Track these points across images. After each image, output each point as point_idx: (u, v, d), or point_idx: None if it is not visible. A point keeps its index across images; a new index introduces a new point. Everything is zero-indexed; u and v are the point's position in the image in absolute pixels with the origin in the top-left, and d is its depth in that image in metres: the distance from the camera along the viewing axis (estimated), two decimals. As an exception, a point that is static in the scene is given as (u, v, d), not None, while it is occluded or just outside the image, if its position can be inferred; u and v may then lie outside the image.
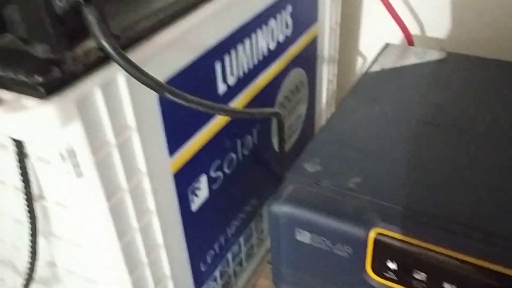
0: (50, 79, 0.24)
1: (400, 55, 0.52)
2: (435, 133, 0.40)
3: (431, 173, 0.36)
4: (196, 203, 0.41)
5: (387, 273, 0.33)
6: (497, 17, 0.59)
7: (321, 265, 0.36)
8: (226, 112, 0.35)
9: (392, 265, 0.33)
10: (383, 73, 0.50)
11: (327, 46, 0.60)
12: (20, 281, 0.38)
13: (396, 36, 0.62)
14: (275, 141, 0.52)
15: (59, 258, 0.35)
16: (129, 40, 0.29)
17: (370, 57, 0.70)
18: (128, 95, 0.29)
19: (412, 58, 0.52)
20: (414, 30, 0.65)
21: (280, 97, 0.51)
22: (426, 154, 0.38)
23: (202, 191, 0.41)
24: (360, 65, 0.71)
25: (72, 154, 0.27)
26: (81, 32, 0.26)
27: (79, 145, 0.27)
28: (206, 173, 0.41)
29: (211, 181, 0.42)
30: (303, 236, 0.36)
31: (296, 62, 0.53)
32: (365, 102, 0.45)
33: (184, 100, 0.30)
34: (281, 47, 0.48)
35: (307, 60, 0.56)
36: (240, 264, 0.53)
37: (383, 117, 0.43)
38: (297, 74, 0.54)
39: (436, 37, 0.65)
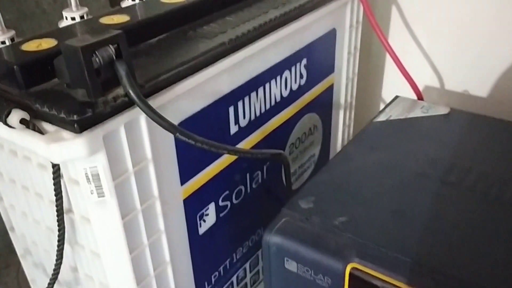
0: (84, 118, 0.31)
1: (407, 108, 0.57)
2: (424, 184, 0.44)
3: (411, 220, 0.40)
4: (203, 227, 0.46)
5: (361, 305, 0.37)
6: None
7: (306, 293, 0.40)
8: (230, 152, 0.41)
9: (365, 298, 0.37)
10: (387, 123, 0.54)
11: (344, 94, 0.65)
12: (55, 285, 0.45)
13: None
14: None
15: (81, 264, 0.41)
16: (152, 88, 0.35)
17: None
18: (147, 133, 0.36)
19: (417, 112, 0.56)
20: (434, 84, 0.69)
21: (292, 138, 0.56)
22: (410, 203, 0.42)
23: (209, 217, 0.46)
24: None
25: (96, 177, 0.34)
26: (113, 81, 0.33)
27: (103, 171, 0.33)
28: (214, 201, 0.46)
29: (218, 209, 0.47)
30: (291, 265, 0.40)
31: (310, 107, 0.58)
32: (364, 149, 0.49)
33: (193, 141, 0.36)
34: (294, 94, 0.54)
35: (322, 106, 0.62)
36: (245, 288, 0.58)
37: (378, 166, 0.47)
38: (311, 118, 0.59)
39: (450, 91, 0.69)
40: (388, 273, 0.36)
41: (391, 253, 0.37)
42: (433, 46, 0.68)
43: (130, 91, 0.33)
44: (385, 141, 0.51)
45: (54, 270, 0.39)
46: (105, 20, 0.42)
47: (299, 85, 0.55)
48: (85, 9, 0.43)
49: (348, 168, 0.47)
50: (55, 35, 0.38)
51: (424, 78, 0.70)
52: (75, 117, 0.31)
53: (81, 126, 0.31)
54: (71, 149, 0.31)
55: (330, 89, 0.62)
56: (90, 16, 0.44)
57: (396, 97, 0.60)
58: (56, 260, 0.39)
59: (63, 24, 0.43)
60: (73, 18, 0.43)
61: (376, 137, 0.52)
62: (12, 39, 0.39)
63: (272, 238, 0.40)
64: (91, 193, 0.34)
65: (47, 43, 0.37)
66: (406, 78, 0.61)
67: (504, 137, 0.51)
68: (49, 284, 0.40)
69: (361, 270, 0.36)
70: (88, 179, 0.33)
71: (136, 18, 0.42)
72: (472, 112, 0.55)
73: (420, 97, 0.62)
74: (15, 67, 0.33)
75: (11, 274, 0.76)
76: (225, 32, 0.44)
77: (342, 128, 0.68)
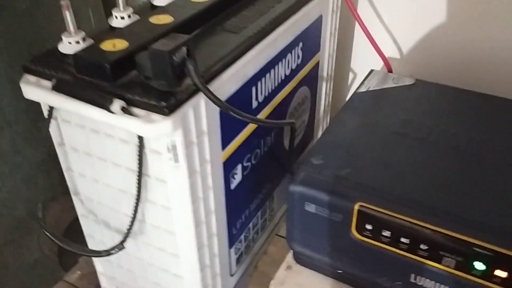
0: (170, 104, 0.41)
1: (381, 80, 0.70)
2: (403, 140, 0.58)
3: (398, 168, 0.54)
4: (234, 183, 0.58)
5: (365, 232, 0.51)
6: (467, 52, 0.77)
7: (322, 228, 0.54)
8: (261, 122, 0.52)
9: (369, 227, 0.51)
10: (367, 94, 0.67)
11: (326, 69, 0.78)
12: (116, 237, 0.55)
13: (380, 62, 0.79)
14: (285, 142, 0.70)
15: (149, 217, 0.52)
16: (207, 78, 0.46)
17: (358, 77, 0.87)
18: (205, 112, 0.46)
19: (390, 82, 0.69)
20: (396, 56, 0.83)
21: (291, 108, 0.68)
22: (394, 155, 0.56)
23: (238, 175, 0.58)
24: (350, 83, 0.89)
25: (174, 148, 0.44)
26: (182, 74, 0.43)
27: (180, 143, 0.44)
28: (241, 163, 0.58)
29: (243, 168, 0.59)
30: (310, 207, 0.53)
31: (303, 82, 0.70)
32: (354, 115, 0.62)
33: (239, 116, 0.47)
34: (293, 72, 0.66)
35: (311, 79, 0.74)
36: (257, 232, 0.71)
37: (366, 128, 0.60)
38: (303, 90, 0.72)
39: (412, 63, 0.83)
40: (386, 208, 0.49)
41: (386, 193, 0.50)
42: (395, 22, 0.81)
43: (198, 82, 0.43)
44: (368, 108, 0.64)
45: (131, 222, 0.50)
46: (154, 20, 0.51)
47: (297, 64, 0.66)
48: (130, 9, 0.52)
49: (344, 131, 0.60)
50: (123, 35, 0.47)
51: (388, 51, 0.83)
52: (164, 103, 0.41)
53: (170, 110, 0.41)
54: (161, 128, 0.42)
55: (317, 65, 0.74)
56: (135, 16, 0.52)
57: (372, 71, 0.73)
58: (133, 213, 0.49)
59: (113, 22, 0.51)
60: (122, 18, 0.51)
61: (361, 105, 0.65)
62: (83, 39, 0.47)
63: (296, 188, 0.53)
64: (170, 160, 0.45)
65: (120, 43, 0.46)
66: (378, 53, 0.74)
67: (459, 101, 0.65)
68: (125, 233, 0.50)
69: (365, 206, 0.50)
70: (168, 149, 0.44)
71: (179, 18, 0.51)
72: (433, 81, 0.69)
73: (389, 70, 0.75)
74: (106, 65, 0.43)
75: (33, 239, 0.84)
76: (247, 26, 0.54)
77: (324, 97, 0.81)
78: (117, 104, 0.41)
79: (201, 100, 0.45)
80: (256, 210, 0.68)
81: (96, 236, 0.59)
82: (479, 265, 0.46)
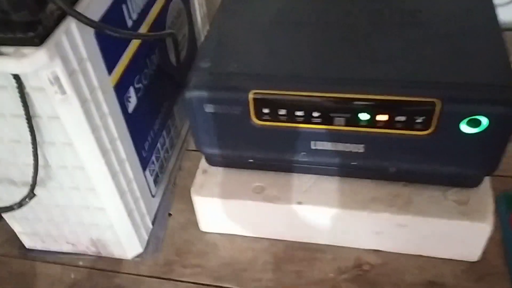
0: (39, 33, 0.39)
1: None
2: (279, 28, 0.61)
3: (281, 51, 0.57)
4: (130, 107, 0.58)
5: (264, 116, 0.55)
6: None
7: (224, 124, 0.56)
8: (140, 36, 0.51)
9: (266, 110, 0.54)
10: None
11: (193, -24, 0.77)
12: (17, 191, 0.53)
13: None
14: (172, 57, 0.70)
15: (52, 159, 0.51)
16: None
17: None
18: (80, 37, 0.45)
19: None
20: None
21: (168, 23, 0.68)
22: (276, 41, 0.58)
23: (132, 98, 0.58)
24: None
25: (57, 79, 0.43)
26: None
27: (61, 72, 0.43)
28: (132, 85, 0.58)
29: (136, 90, 0.59)
30: (209, 108, 0.55)
31: (173, -7, 0.69)
32: (230, 16, 0.64)
33: (116, 33, 0.46)
34: (161, -16, 0.64)
35: (180, -10, 0.73)
36: (167, 151, 0.72)
37: (244, 25, 0.62)
38: (176, 3, 0.71)
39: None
40: (275, 88, 0.53)
41: (274, 76, 0.54)
42: None
43: (61, 4, 0.41)
44: (240, 8, 0.65)
45: (34, 169, 0.49)
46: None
47: (162, -25, 0.65)
48: None
49: (224, 32, 0.61)
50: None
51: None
52: (32, 33, 0.39)
53: (40, 39, 0.40)
54: (36, 59, 0.40)
55: (182, -26, 0.73)
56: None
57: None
58: (34, 159, 0.48)
59: None
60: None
61: (233, 6, 0.66)
62: None
63: (191, 93, 0.54)
64: (56, 93, 0.44)
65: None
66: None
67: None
68: (32, 181, 0.49)
69: (260, 93, 0.53)
70: (51, 82, 0.43)
71: None
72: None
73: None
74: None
75: None
76: None
77: (198, 6, 0.80)
78: (-23, 46, 0.38)
79: (71, 24, 0.44)
80: (161, 130, 0.69)
81: (2, 198, 0.57)
82: (364, 116, 0.52)
